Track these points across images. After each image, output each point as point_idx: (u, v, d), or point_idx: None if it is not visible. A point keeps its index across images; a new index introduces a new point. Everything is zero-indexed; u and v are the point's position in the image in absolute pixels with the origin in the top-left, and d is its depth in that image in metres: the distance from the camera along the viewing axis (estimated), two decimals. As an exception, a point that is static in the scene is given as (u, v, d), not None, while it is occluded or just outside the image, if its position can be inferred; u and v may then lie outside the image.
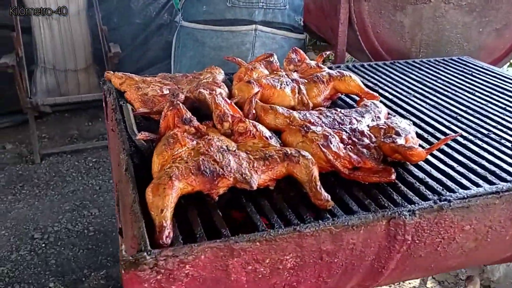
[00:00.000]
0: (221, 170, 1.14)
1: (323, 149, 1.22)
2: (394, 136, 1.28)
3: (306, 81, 1.68)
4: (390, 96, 1.78)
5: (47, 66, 4.73)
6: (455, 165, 1.32)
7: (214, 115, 1.37)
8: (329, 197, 1.13)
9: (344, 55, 2.54)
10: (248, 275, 1.05)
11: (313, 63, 1.80)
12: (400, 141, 1.25)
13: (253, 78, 1.66)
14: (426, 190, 1.20)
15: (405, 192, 1.19)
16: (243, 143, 1.29)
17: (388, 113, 1.55)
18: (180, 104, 1.37)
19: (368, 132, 1.35)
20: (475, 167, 1.31)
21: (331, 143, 1.24)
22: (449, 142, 1.42)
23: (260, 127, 1.33)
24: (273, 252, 1.04)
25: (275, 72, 1.77)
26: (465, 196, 1.17)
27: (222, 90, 1.60)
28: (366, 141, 1.31)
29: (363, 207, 1.14)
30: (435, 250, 1.20)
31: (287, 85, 1.65)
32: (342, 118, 1.41)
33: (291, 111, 1.43)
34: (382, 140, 1.27)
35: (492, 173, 1.29)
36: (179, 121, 1.33)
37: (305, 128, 1.31)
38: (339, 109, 1.47)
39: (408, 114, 1.63)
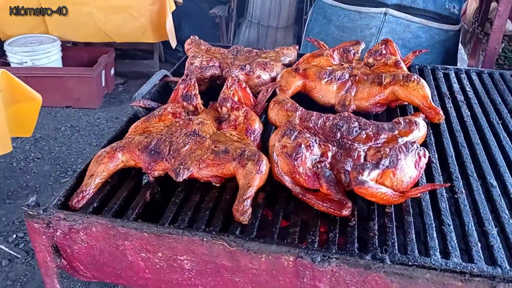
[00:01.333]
0: (166, 153, 1.14)
1: (275, 157, 1.09)
2: (368, 165, 1.06)
3: (366, 78, 1.48)
4: (467, 119, 1.42)
5: (253, 21, 5.09)
6: (450, 223, 1.03)
7: (219, 97, 1.34)
8: (249, 212, 1.03)
9: (495, 55, 2.08)
10: (145, 262, 1.05)
11: (392, 59, 1.55)
12: (370, 173, 1.03)
13: (304, 67, 1.53)
14: (377, 240, 0.98)
15: (349, 235, 1.00)
16: (223, 131, 1.25)
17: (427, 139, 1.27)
18: (193, 80, 1.38)
19: (363, 153, 1.14)
20: (473, 233, 1.00)
21: (296, 155, 1.10)
22: (478, 195, 1.10)
23: (253, 120, 1.26)
24: (163, 248, 1.02)
25: (342, 63, 1.60)
26: (409, 263, 0.92)
27: (264, 73, 1.53)
28: (348, 164, 1.11)
29: (282, 234, 1.00)
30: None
31: (338, 80, 1.48)
32: (353, 130, 1.22)
33: (300, 108, 1.30)
34: (354, 166, 1.07)
35: (488, 247, 0.97)
36: (181, 96, 1.35)
37: (287, 132, 1.18)
38: (363, 120, 1.26)
39: (462, 143, 1.29)
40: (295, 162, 1.10)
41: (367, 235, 1.00)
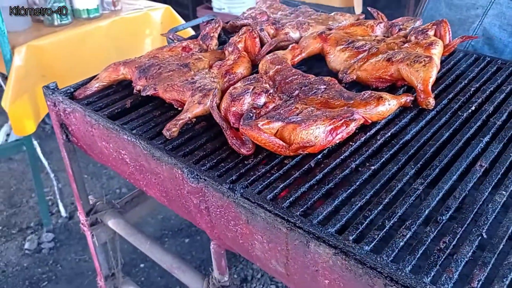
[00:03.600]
0: (150, 73, 1.40)
1: (215, 91, 1.27)
2: (274, 115, 1.15)
3: (384, 53, 1.48)
4: (463, 113, 1.31)
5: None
6: (325, 186, 1.07)
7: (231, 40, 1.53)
8: (172, 130, 1.22)
9: None
10: (107, 150, 1.37)
11: (427, 40, 1.49)
12: (271, 123, 1.13)
13: (331, 32, 1.59)
14: (249, 179, 1.10)
15: (235, 169, 1.14)
16: (210, 70, 1.44)
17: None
18: (217, 24, 1.59)
19: (298, 111, 1.22)
20: (337, 198, 1.03)
21: (238, 96, 1.25)
22: (380, 175, 1.10)
23: (238, 65, 1.42)
24: (112, 140, 1.31)
25: (377, 35, 1.60)
26: (252, 200, 1.02)
27: (294, 32, 1.64)
28: (273, 112, 1.22)
29: (193, 149, 1.20)
30: (236, 234, 1.12)
31: (354, 49, 1.51)
32: (310, 91, 1.29)
33: (284, 64, 1.40)
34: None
35: (336, 209, 1.00)
36: (201, 35, 1.58)
37: (248, 78, 1.33)
38: (335, 85, 1.32)
39: (425, 131, 1.23)
40: (232, 102, 1.25)
41: (250, 174, 1.12)
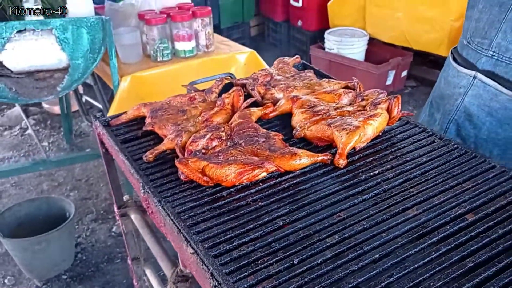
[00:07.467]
0: (156, 115, 1.98)
1: (182, 133, 1.79)
2: (201, 155, 1.64)
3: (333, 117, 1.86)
4: (364, 175, 1.64)
5: None
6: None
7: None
8: (148, 156, 1.79)
9: None
10: (118, 163, 1.98)
11: (370, 113, 1.84)
12: (198, 161, 1.62)
13: (301, 96, 2.01)
14: (179, 194, 1.60)
15: (176, 187, 1.65)
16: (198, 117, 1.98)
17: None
18: (219, 82, 2.12)
19: (227, 153, 1.69)
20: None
21: (196, 139, 1.76)
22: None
23: (216, 116, 1.93)
24: (115, 154, 1.92)
25: (340, 103, 1.97)
26: (166, 210, 1.53)
27: (279, 93, 2.08)
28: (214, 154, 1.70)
29: (156, 171, 1.74)
30: (165, 234, 1.64)
31: (311, 112, 1.91)
32: (248, 142, 1.75)
33: (247, 119, 1.87)
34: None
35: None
36: (207, 89, 2.12)
37: (212, 126, 1.83)
38: (273, 139, 1.76)
39: (318, 184, 1.60)
40: (191, 142, 1.76)
41: (178, 193, 1.62)
